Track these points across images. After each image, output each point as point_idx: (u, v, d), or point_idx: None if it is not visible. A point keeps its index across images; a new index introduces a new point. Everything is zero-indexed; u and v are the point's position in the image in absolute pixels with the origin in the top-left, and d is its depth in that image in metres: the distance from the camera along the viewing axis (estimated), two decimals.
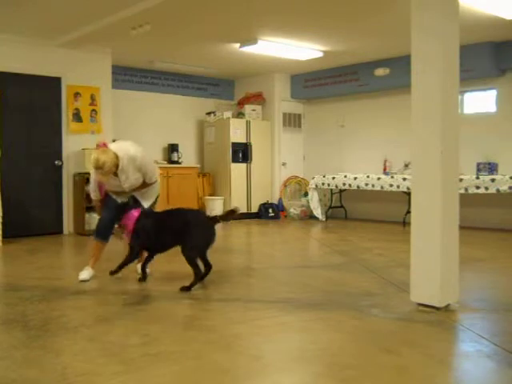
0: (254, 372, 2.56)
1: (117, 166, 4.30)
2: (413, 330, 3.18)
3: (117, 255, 4.78)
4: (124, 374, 2.49)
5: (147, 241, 4.40)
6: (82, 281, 4.55)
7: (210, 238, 4.34)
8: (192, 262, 4.20)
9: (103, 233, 4.66)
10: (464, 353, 2.88)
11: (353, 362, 2.66)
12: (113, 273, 4.51)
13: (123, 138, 8.89)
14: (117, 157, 4.29)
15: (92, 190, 4.63)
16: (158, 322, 3.38)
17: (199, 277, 4.24)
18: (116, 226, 4.70)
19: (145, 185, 4.60)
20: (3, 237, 6.75)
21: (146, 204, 4.67)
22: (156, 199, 4.82)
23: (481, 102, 8.30)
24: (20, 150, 7.43)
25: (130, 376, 2.47)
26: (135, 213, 4.41)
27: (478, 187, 7.37)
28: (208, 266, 4.43)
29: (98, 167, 4.19)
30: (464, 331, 3.17)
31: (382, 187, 8.48)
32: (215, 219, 4.45)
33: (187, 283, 4.16)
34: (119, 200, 4.63)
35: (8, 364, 2.63)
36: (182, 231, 4.25)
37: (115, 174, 4.38)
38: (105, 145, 4.36)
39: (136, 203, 4.61)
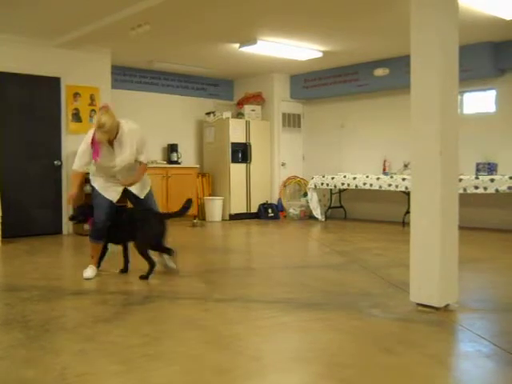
0: (253, 372, 2.56)
1: (116, 133, 4.38)
2: (412, 330, 3.18)
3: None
4: (123, 375, 2.48)
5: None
6: (86, 279, 4.58)
7: (159, 231, 4.61)
8: (143, 255, 4.53)
9: (98, 235, 4.68)
10: (463, 353, 2.88)
11: (352, 362, 2.66)
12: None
13: None
14: (118, 123, 4.36)
15: (78, 157, 4.52)
16: (157, 322, 3.38)
17: (153, 266, 4.54)
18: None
19: (140, 171, 4.61)
20: (2, 237, 6.75)
21: (141, 195, 4.75)
22: (150, 190, 4.84)
23: (480, 102, 8.30)
24: (19, 149, 7.43)
25: (129, 376, 2.47)
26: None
27: (476, 187, 7.38)
28: (168, 250, 4.67)
29: (100, 125, 4.25)
30: (463, 331, 3.17)
31: (380, 187, 8.49)
32: (167, 215, 4.84)
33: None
34: (109, 197, 4.61)
35: (7, 364, 2.62)
36: (133, 228, 4.55)
37: (111, 145, 4.41)
38: (108, 107, 4.43)
39: (127, 196, 4.78)
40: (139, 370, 2.53)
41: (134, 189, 4.70)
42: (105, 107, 4.40)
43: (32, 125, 7.54)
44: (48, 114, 7.70)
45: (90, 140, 4.40)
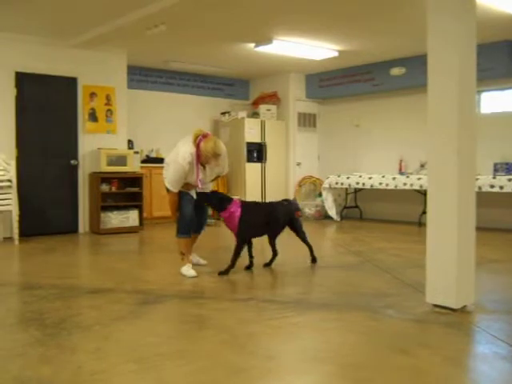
0: (267, 372, 2.55)
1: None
2: (428, 332, 3.16)
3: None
4: (138, 373, 2.50)
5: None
6: (192, 277, 4.64)
7: None
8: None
9: (187, 230, 4.83)
10: (480, 354, 2.85)
11: (367, 363, 2.64)
12: (222, 273, 4.68)
13: (139, 137, 9.02)
14: None
15: (176, 181, 4.67)
16: (172, 321, 3.39)
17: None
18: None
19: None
20: (20, 235, 6.83)
21: (193, 193, 4.88)
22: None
23: (498, 101, 8.21)
24: (36, 149, 7.50)
25: (144, 375, 2.48)
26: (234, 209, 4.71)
27: (492, 186, 7.30)
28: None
29: (218, 154, 4.61)
30: (480, 333, 3.13)
31: (396, 186, 8.44)
32: None
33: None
34: (193, 194, 4.87)
35: (24, 361, 2.65)
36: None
37: (203, 167, 4.73)
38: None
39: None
40: (154, 368, 2.55)
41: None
42: (211, 136, 4.77)
43: (49, 124, 7.61)
44: (65, 113, 7.76)
45: (186, 164, 4.57)
